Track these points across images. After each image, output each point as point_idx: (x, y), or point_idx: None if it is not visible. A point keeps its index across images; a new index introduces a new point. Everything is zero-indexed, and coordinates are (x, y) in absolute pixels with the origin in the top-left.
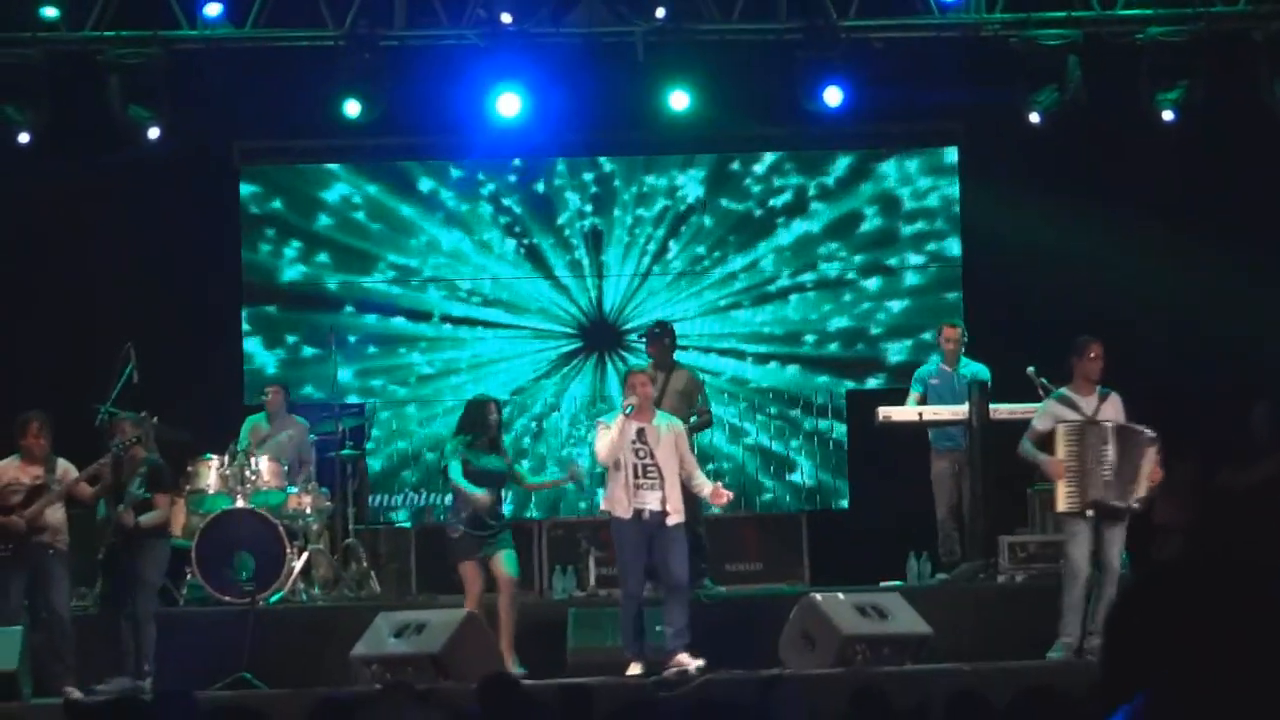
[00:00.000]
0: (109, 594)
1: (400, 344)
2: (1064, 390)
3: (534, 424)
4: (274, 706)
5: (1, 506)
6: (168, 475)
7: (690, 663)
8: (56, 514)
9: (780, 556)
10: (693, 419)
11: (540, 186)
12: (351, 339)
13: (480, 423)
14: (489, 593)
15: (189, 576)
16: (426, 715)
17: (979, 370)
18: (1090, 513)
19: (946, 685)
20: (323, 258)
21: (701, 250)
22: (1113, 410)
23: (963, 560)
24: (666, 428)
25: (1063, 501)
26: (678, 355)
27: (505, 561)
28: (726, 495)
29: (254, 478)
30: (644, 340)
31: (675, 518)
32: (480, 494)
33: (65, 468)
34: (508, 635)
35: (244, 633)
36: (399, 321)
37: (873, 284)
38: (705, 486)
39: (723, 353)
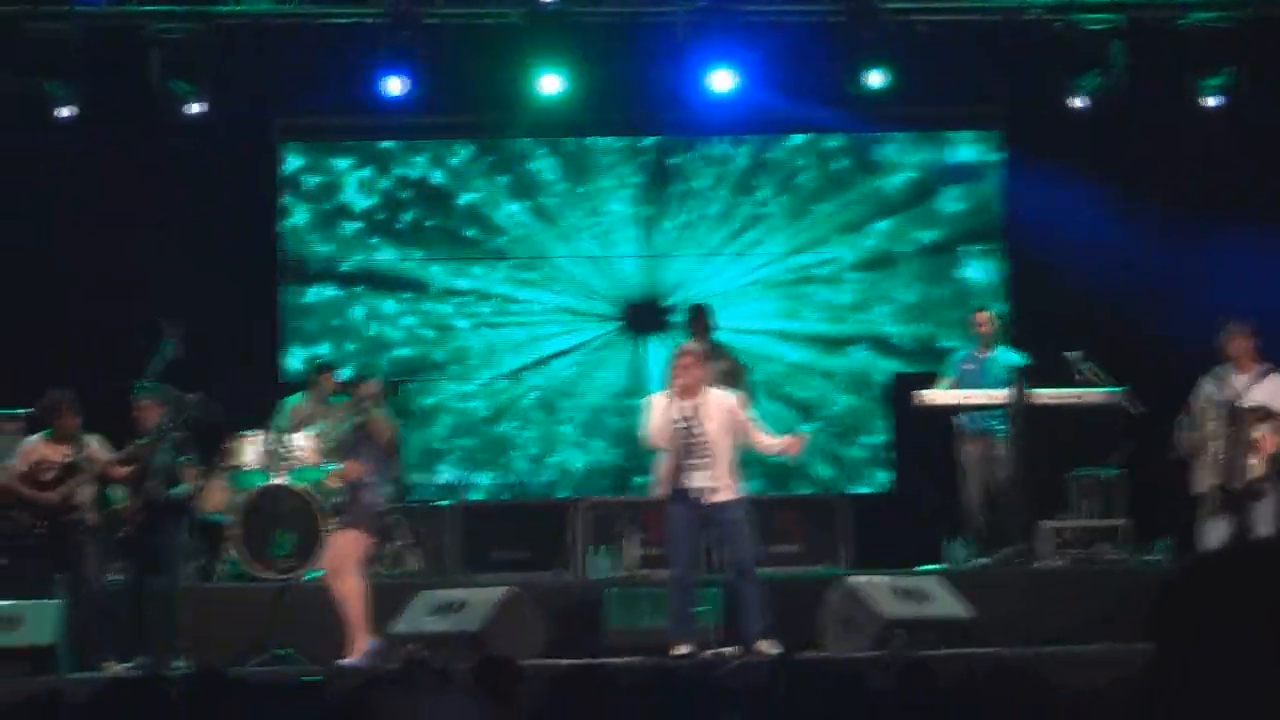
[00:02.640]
0: (133, 571)
1: (442, 320)
2: (1218, 367)
3: (577, 405)
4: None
5: (34, 484)
6: (193, 448)
7: (771, 649)
8: (86, 491)
9: (820, 539)
10: None
11: (583, 166)
12: (393, 314)
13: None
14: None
15: (227, 553)
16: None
17: (1013, 356)
18: (1214, 494)
19: (992, 666)
20: (364, 235)
21: (747, 231)
22: (1265, 391)
23: (997, 544)
24: (718, 404)
25: (1197, 482)
26: (721, 336)
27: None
28: (803, 438)
29: (293, 454)
30: (685, 322)
31: (726, 494)
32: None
33: (95, 445)
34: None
35: (279, 609)
36: (452, 301)
37: (913, 267)
38: (775, 444)
39: (767, 333)
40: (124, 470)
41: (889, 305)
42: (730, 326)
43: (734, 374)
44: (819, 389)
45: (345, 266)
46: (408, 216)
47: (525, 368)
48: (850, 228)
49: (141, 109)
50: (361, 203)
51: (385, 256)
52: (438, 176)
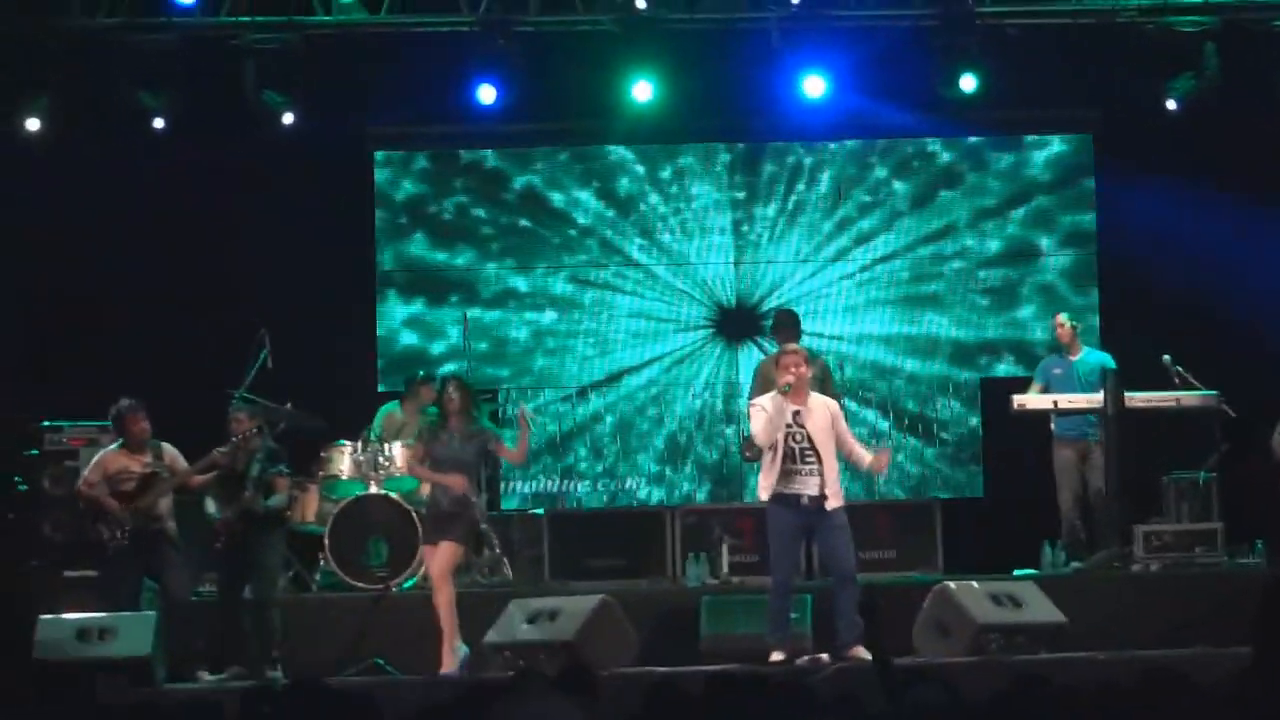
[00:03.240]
0: (227, 583)
1: (551, 330)
2: None
3: (671, 413)
4: (404, 693)
5: (114, 494)
6: (285, 459)
7: (867, 655)
8: (166, 500)
9: (914, 544)
10: None
11: (676, 173)
12: (509, 330)
13: (440, 403)
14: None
15: (322, 563)
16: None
17: (1103, 359)
18: None
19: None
20: (456, 245)
21: (831, 242)
22: None
23: (1090, 549)
24: (822, 408)
25: None
26: (806, 342)
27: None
28: (887, 454)
29: (387, 464)
30: (772, 327)
31: (835, 501)
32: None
33: (172, 454)
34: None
35: (377, 619)
36: (552, 311)
37: (1009, 271)
38: (865, 457)
39: (857, 339)
40: (201, 479)
41: (979, 310)
42: (822, 331)
43: (824, 380)
44: (910, 392)
45: (446, 274)
46: (501, 226)
47: (620, 374)
48: (944, 234)
49: (237, 120)
50: (456, 212)
51: (478, 265)
52: (530, 183)
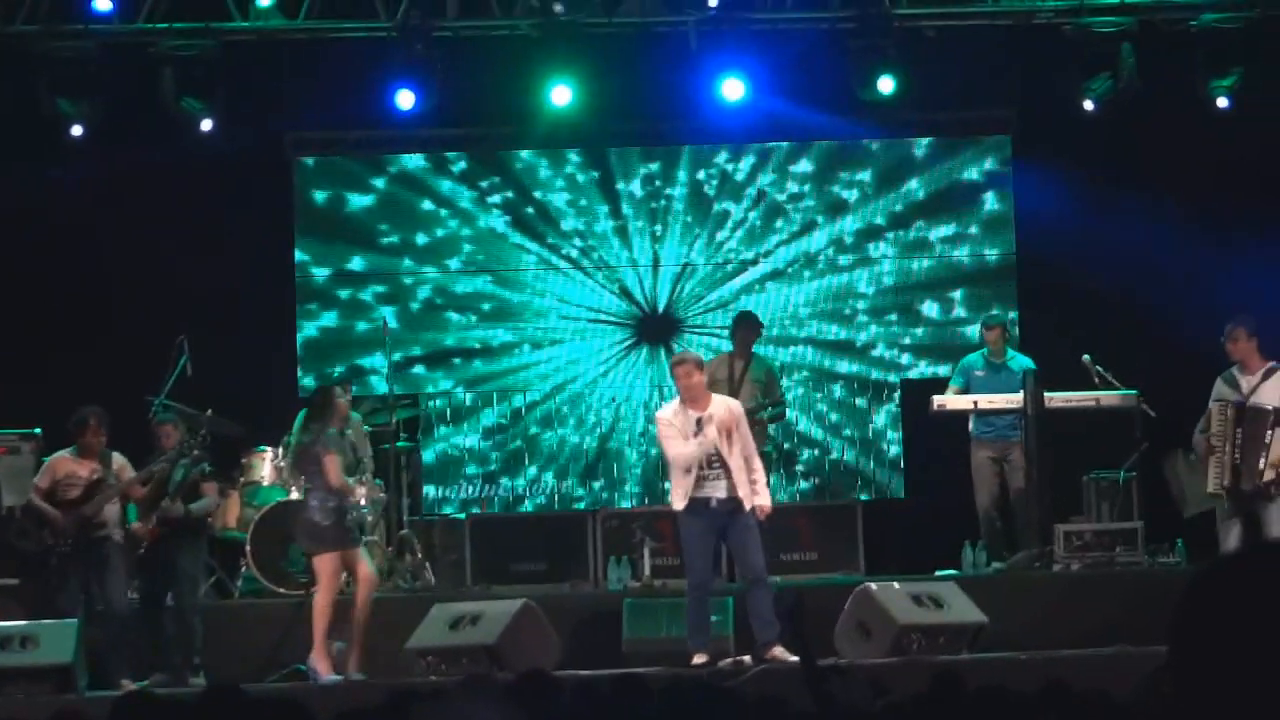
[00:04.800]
0: (149, 590)
1: (469, 335)
2: (1232, 369)
3: (593, 416)
4: (327, 699)
5: (61, 501)
6: (209, 462)
7: (787, 655)
8: (113, 508)
9: (835, 546)
10: (768, 410)
11: (595, 179)
12: (425, 332)
13: (332, 409)
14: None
15: (244, 569)
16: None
17: (1025, 362)
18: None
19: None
20: (377, 249)
21: (749, 244)
22: (1272, 390)
23: (1011, 549)
24: (724, 410)
25: (1210, 483)
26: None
27: (367, 556)
28: (765, 510)
29: None
30: (730, 329)
31: (749, 502)
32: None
33: (121, 463)
34: (359, 634)
35: (299, 625)
36: (468, 315)
37: (923, 272)
38: (758, 483)
39: (779, 340)
40: (143, 490)
41: (899, 312)
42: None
43: (768, 381)
44: (830, 393)
45: (361, 280)
46: (418, 228)
47: (542, 376)
48: (863, 236)
49: (156, 126)
50: (375, 216)
51: (398, 269)
52: (450, 187)
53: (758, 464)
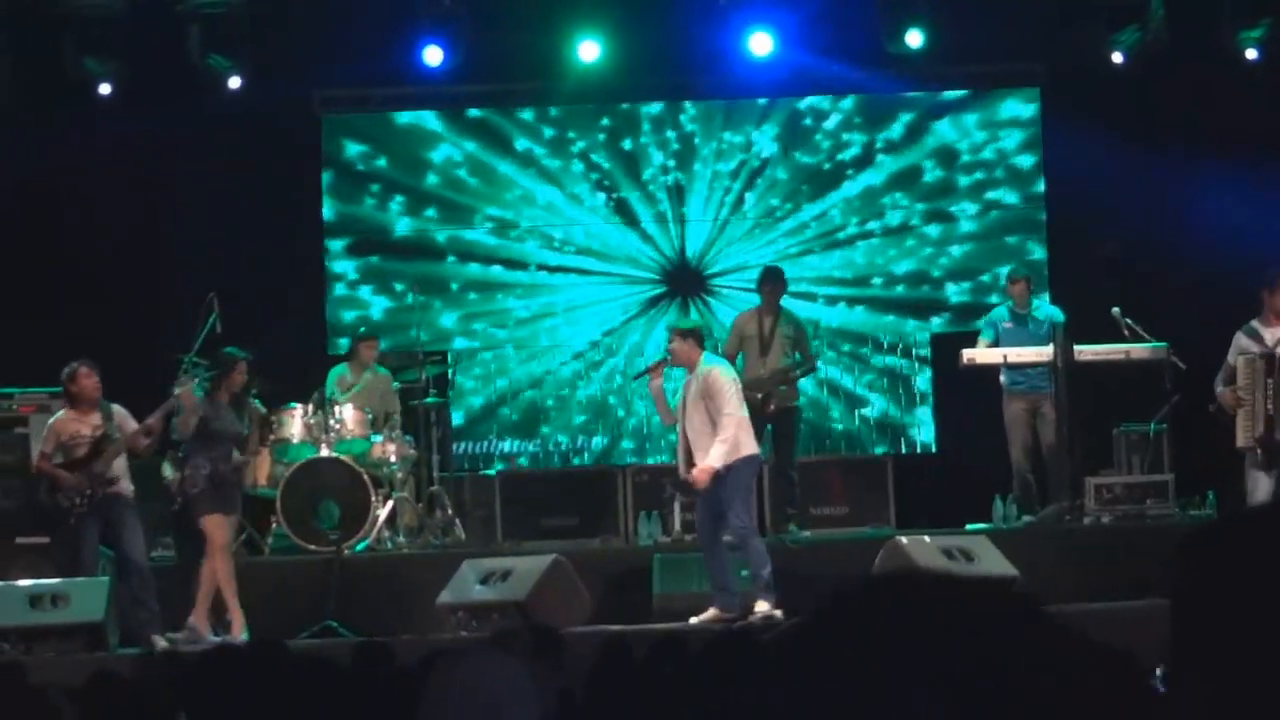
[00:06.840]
0: (184, 545)
1: (498, 290)
2: (1252, 322)
3: (624, 364)
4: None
5: (68, 461)
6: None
7: (768, 610)
8: (120, 461)
9: (866, 500)
10: (801, 368)
11: (626, 143)
12: (454, 286)
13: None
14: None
15: (274, 526)
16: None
17: (1053, 312)
18: (1259, 449)
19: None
20: (404, 205)
21: (775, 200)
22: None
23: (1042, 502)
24: (696, 381)
25: (1240, 436)
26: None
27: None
28: (705, 474)
29: (338, 426)
30: (757, 282)
31: (694, 472)
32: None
33: (121, 414)
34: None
35: (330, 581)
36: (497, 270)
37: (959, 226)
38: (702, 459)
39: (810, 295)
40: (144, 442)
41: (930, 265)
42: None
43: (798, 337)
44: (862, 347)
45: (403, 239)
46: (464, 192)
47: (568, 331)
48: (892, 189)
49: (183, 85)
50: (403, 173)
51: (426, 226)
52: (478, 144)
53: (711, 441)
